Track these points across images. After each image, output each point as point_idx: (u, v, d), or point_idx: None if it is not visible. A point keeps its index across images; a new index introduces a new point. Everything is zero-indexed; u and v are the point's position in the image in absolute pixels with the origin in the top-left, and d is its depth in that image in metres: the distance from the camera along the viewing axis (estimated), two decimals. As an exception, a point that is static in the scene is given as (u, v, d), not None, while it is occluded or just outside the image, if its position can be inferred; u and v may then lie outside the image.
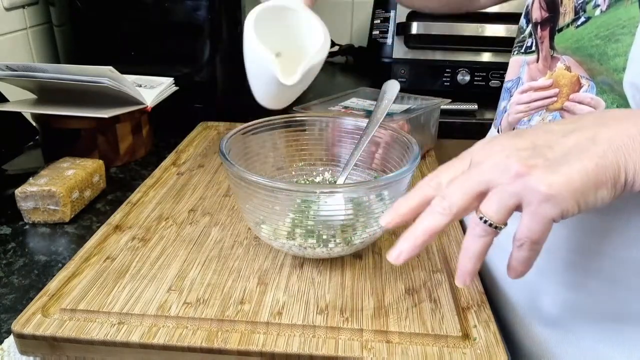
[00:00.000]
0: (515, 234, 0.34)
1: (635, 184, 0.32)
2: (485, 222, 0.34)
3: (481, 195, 0.34)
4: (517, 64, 0.53)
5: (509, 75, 0.55)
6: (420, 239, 0.36)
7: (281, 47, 0.52)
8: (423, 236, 0.36)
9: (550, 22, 0.48)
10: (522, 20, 0.54)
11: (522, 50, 0.53)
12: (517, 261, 0.35)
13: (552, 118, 0.47)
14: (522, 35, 0.53)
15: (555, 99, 0.47)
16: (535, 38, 0.50)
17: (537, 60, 0.50)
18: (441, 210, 0.35)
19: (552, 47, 0.48)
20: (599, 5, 0.42)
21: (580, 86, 0.44)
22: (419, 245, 0.37)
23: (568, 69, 0.46)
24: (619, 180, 0.32)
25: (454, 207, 0.35)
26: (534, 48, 0.51)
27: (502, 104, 0.56)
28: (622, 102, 0.40)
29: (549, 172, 0.32)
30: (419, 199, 0.37)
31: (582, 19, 0.44)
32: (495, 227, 0.34)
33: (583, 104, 0.44)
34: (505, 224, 0.34)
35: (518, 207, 0.34)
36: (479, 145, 0.37)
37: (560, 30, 0.46)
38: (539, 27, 0.50)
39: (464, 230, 0.61)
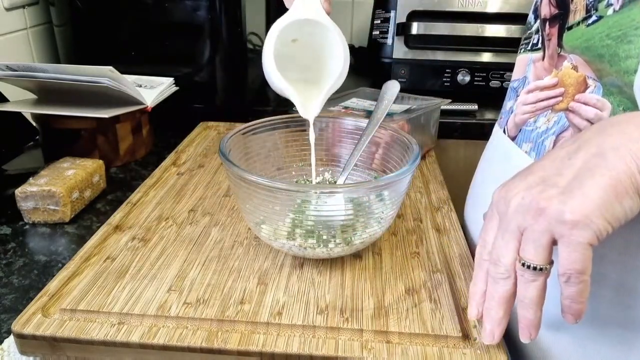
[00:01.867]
0: (559, 270, 0.34)
1: None
2: (529, 267, 0.35)
3: (520, 240, 0.36)
4: (524, 63, 0.53)
5: (516, 75, 0.55)
6: (501, 312, 0.38)
7: (301, 58, 0.54)
8: (500, 308, 0.38)
9: (560, 19, 0.47)
10: (530, 16, 0.53)
11: (529, 48, 0.52)
12: (570, 299, 0.35)
13: (557, 119, 0.47)
14: (529, 32, 0.53)
15: (560, 98, 0.46)
16: (543, 35, 0.50)
17: (543, 58, 0.49)
18: (500, 276, 0.37)
19: (560, 45, 0.47)
20: (611, 5, 0.41)
21: (586, 86, 0.44)
22: (502, 317, 0.39)
23: (575, 68, 0.45)
24: (638, 185, 0.32)
25: (509, 267, 0.36)
26: (540, 45, 0.50)
27: (507, 104, 0.56)
28: (630, 104, 0.40)
29: (567, 198, 0.32)
30: (485, 277, 0.39)
31: (594, 18, 0.43)
32: (541, 269, 0.35)
33: (588, 105, 0.43)
34: (551, 263, 0.35)
35: (555, 242, 0.34)
36: (497, 195, 0.38)
37: (570, 28, 0.46)
38: (547, 23, 0.49)
39: (464, 231, 0.61)
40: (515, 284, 0.37)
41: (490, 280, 0.39)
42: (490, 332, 0.39)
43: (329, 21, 0.53)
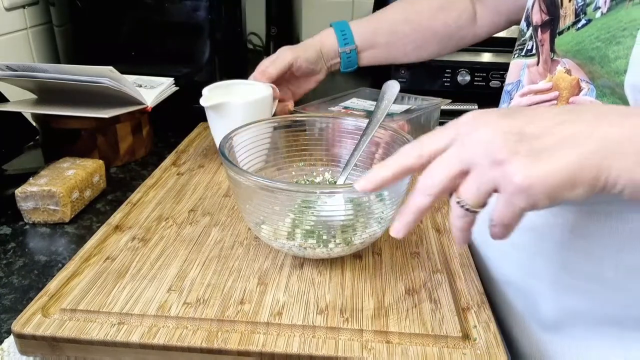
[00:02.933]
0: (491, 213, 0.34)
1: (616, 188, 0.32)
2: (463, 206, 0.35)
3: (463, 174, 0.34)
4: (518, 67, 0.53)
5: (510, 78, 0.55)
6: (412, 218, 0.37)
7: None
8: (414, 215, 0.37)
9: (551, 25, 0.48)
10: (523, 23, 0.53)
11: (523, 54, 0.53)
12: (493, 234, 0.35)
13: None
14: (523, 39, 0.53)
15: (555, 102, 0.47)
16: (536, 41, 0.50)
17: (538, 63, 0.50)
18: (427, 190, 0.36)
19: (552, 50, 0.47)
20: (599, 8, 0.42)
21: (580, 89, 0.44)
22: (412, 222, 0.38)
23: (568, 72, 0.45)
24: (597, 183, 0.32)
25: (438, 187, 0.35)
26: (534, 51, 0.50)
27: (502, 107, 0.56)
28: (623, 105, 0.40)
29: (529, 163, 0.31)
30: (399, 168, 0.38)
31: (583, 22, 0.43)
32: (473, 211, 0.35)
33: None
34: (484, 206, 0.35)
35: (496, 190, 0.33)
36: (468, 117, 0.36)
37: (561, 33, 0.46)
38: (539, 30, 0.49)
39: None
40: (432, 203, 0.36)
41: (416, 188, 0.37)
42: (397, 229, 0.39)
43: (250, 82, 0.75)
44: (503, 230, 0.35)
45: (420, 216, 0.38)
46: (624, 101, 0.40)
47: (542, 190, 0.31)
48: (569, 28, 0.45)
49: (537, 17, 0.50)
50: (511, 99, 0.53)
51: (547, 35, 0.48)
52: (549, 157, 0.32)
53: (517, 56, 0.54)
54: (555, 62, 0.47)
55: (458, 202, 0.35)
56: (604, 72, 0.41)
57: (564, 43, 0.46)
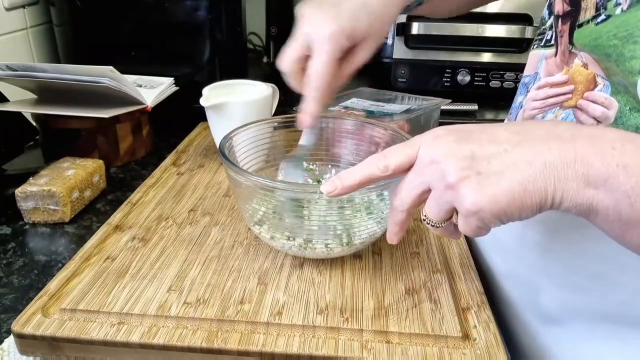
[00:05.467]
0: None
1: (562, 206, 0.33)
2: (429, 223, 0.39)
3: (426, 192, 0.37)
4: (536, 58, 0.53)
5: (527, 70, 0.55)
6: (398, 228, 0.41)
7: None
8: (398, 227, 0.41)
9: (571, 16, 0.47)
10: (545, 12, 0.53)
11: (542, 44, 0.52)
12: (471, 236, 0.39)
13: (564, 116, 0.47)
14: (543, 27, 0.53)
15: (570, 95, 0.46)
16: (556, 31, 0.50)
17: (556, 55, 0.49)
18: (400, 208, 0.40)
19: (571, 42, 0.47)
20: (620, 4, 0.41)
21: (595, 85, 0.44)
22: (400, 232, 0.42)
23: (585, 66, 0.45)
24: (544, 205, 0.33)
25: (408, 205, 0.39)
26: (553, 42, 0.50)
27: (518, 99, 0.56)
28: (636, 104, 0.40)
29: (478, 188, 0.34)
30: (365, 177, 0.40)
31: (603, 17, 0.43)
32: (438, 226, 0.39)
33: (597, 103, 0.43)
34: (447, 220, 0.38)
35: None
36: (428, 139, 0.38)
37: (580, 25, 0.46)
38: (560, 20, 0.49)
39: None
40: (409, 215, 0.40)
41: (392, 209, 0.41)
42: (390, 238, 0.42)
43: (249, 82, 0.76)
44: (474, 236, 0.37)
45: (404, 226, 0.41)
46: (637, 101, 0.39)
47: (491, 214, 0.34)
48: (588, 22, 0.45)
49: (559, 7, 0.49)
50: (528, 91, 0.53)
51: (567, 27, 0.48)
52: (497, 181, 0.33)
53: (537, 47, 0.54)
54: (572, 55, 0.47)
55: (424, 219, 0.39)
56: (619, 70, 0.41)
57: (583, 36, 0.45)
